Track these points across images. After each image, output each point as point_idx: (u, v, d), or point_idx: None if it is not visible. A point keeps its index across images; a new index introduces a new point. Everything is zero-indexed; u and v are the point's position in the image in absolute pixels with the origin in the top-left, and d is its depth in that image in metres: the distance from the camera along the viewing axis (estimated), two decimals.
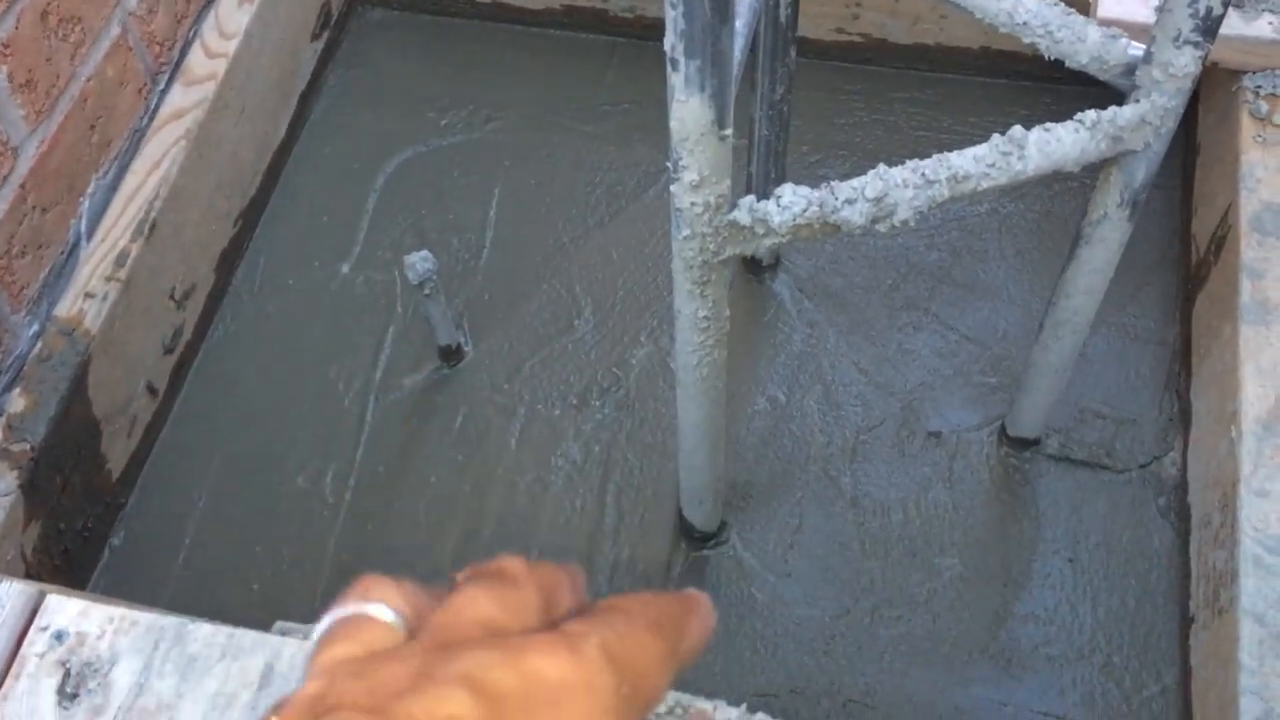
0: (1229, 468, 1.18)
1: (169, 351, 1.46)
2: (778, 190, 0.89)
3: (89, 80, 1.35)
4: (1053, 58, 0.97)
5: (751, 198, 0.89)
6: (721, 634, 1.29)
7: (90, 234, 1.38)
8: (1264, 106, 1.36)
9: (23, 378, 1.28)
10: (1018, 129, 0.92)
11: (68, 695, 0.80)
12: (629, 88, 1.71)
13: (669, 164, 0.84)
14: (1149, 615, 1.28)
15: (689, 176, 0.84)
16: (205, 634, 0.82)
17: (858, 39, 1.67)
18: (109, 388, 1.35)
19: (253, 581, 1.35)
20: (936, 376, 1.45)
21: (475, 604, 0.41)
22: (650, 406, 1.44)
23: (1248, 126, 1.35)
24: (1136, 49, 0.94)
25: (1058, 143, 0.92)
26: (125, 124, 1.43)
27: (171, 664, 0.81)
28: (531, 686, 0.37)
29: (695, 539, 1.34)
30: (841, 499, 1.37)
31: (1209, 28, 0.87)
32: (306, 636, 0.84)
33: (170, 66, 1.50)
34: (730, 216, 0.88)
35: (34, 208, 1.29)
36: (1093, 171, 1.01)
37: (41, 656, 0.82)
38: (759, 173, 1.37)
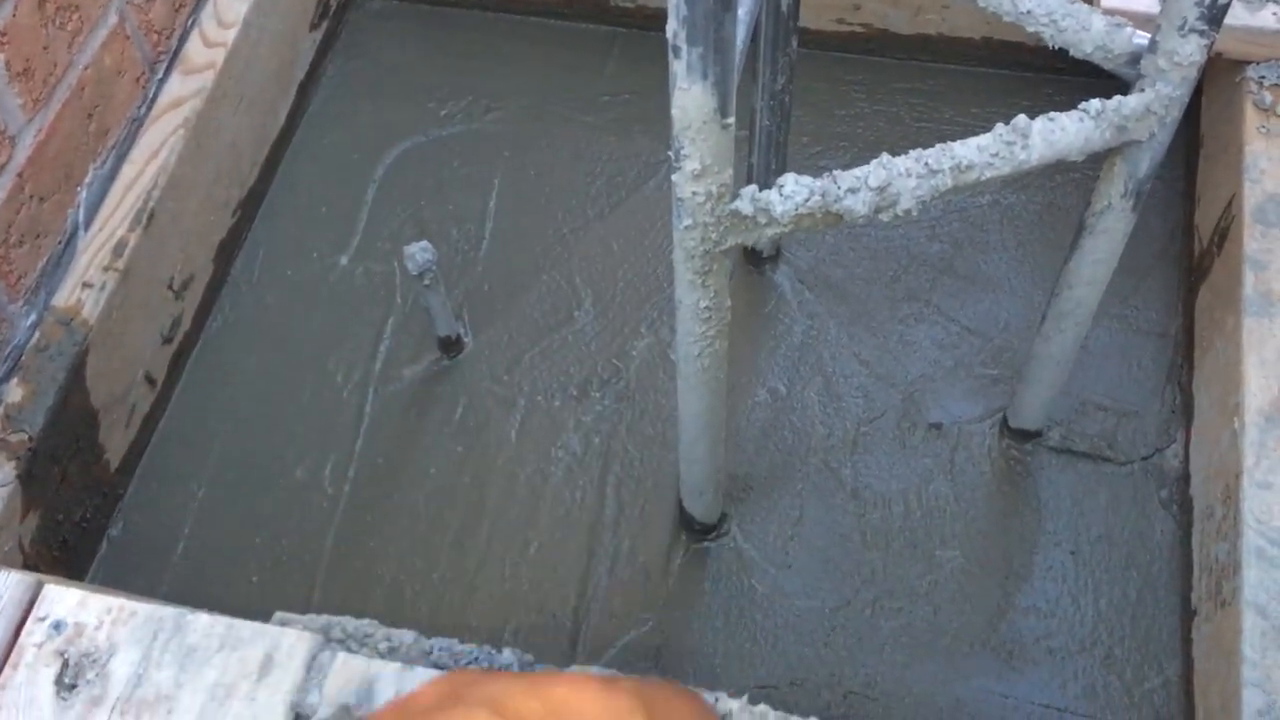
0: (1231, 460, 1.18)
1: (167, 342, 1.46)
2: (780, 179, 0.88)
3: (86, 69, 1.35)
4: (1057, 47, 0.96)
5: (754, 187, 0.88)
6: (722, 626, 1.29)
7: (88, 223, 1.37)
8: (1268, 97, 1.35)
9: (20, 368, 1.27)
10: (1022, 118, 0.92)
11: (66, 686, 0.80)
12: (629, 78, 1.70)
13: (670, 153, 0.84)
14: (1151, 608, 1.27)
15: (691, 165, 0.83)
16: (204, 624, 0.82)
17: (859, 29, 1.66)
18: (107, 378, 1.34)
19: (251, 573, 1.34)
20: (938, 368, 1.44)
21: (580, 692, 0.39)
22: (650, 398, 1.44)
23: (1251, 117, 1.35)
24: (1141, 38, 0.93)
25: (1062, 132, 0.92)
26: (123, 113, 1.42)
27: (170, 654, 0.81)
28: (556, 714, 0.37)
29: (695, 531, 1.34)
30: (842, 491, 1.36)
31: (1214, 16, 0.86)
32: (305, 627, 0.84)
33: (168, 55, 1.49)
34: (732, 206, 0.88)
35: (31, 197, 1.28)
36: (1095, 163, 1.01)
37: (40, 647, 0.81)
38: (760, 163, 1.36)
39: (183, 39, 1.51)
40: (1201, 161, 1.49)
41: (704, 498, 1.28)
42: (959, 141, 0.90)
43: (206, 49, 1.51)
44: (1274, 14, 1.34)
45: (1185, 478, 1.33)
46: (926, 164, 0.89)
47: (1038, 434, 1.38)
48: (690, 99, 0.79)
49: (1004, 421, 1.39)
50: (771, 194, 0.88)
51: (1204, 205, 1.45)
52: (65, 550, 1.31)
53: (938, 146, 0.90)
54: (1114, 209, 1.03)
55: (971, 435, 1.39)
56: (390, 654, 0.83)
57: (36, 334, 1.29)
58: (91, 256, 1.34)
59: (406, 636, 0.85)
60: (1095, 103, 0.93)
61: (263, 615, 0.92)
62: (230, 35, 1.52)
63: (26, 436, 1.23)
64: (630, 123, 1.66)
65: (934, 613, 1.29)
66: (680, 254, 0.93)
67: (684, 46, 0.76)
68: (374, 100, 1.71)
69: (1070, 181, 1.57)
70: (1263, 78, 1.36)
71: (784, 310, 1.50)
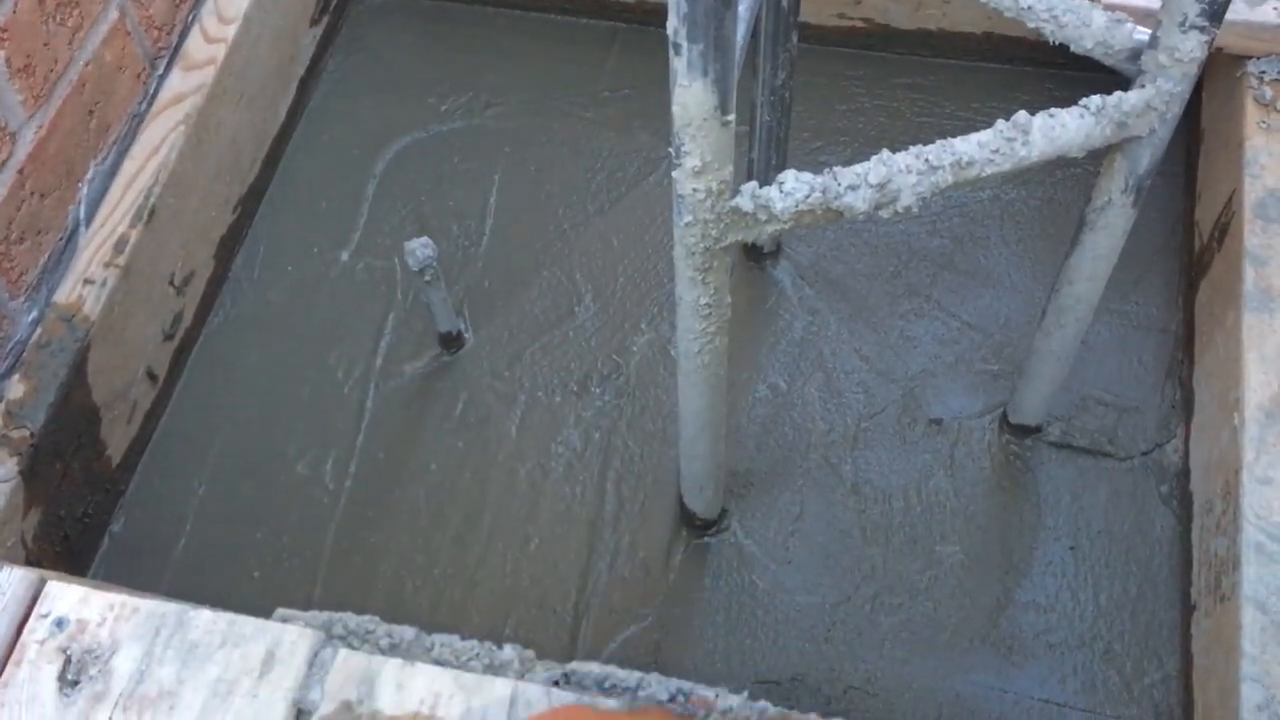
0: (1231, 455, 1.18)
1: (169, 338, 1.46)
2: (780, 176, 0.88)
3: (87, 65, 1.35)
4: (1057, 43, 0.96)
5: (754, 184, 0.88)
6: (722, 622, 1.29)
7: (89, 220, 1.37)
8: (1268, 92, 1.35)
9: (22, 364, 1.27)
10: (1022, 114, 0.92)
11: (69, 682, 0.80)
12: (630, 74, 1.70)
13: (671, 149, 0.84)
14: (1150, 603, 1.28)
15: (691, 162, 0.84)
16: (206, 621, 0.82)
17: (860, 24, 1.66)
18: (109, 374, 1.34)
19: (253, 568, 1.34)
20: (938, 363, 1.44)
21: None
22: (651, 394, 1.44)
23: (1252, 112, 1.35)
24: (1142, 34, 0.93)
25: (1062, 128, 0.92)
26: (124, 109, 1.42)
27: (173, 651, 0.81)
28: None
29: (696, 526, 1.34)
30: (842, 486, 1.37)
31: (1215, 12, 0.86)
32: (307, 624, 0.84)
33: (169, 51, 1.49)
34: (732, 203, 0.88)
35: (32, 193, 1.28)
36: (1096, 158, 1.01)
37: (42, 644, 0.82)
38: (760, 159, 1.36)
39: (183, 35, 1.51)
40: (1202, 157, 1.49)
41: (704, 493, 1.29)
42: (959, 138, 0.91)
43: (207, 45, 1.51)
44: (1275, 9, 1.34)
45: (1185, 473, 1.33)
46: (927, 160, 0.89)
47: (1038, 429, 1.38)
48: (691, 96, 0.79)
49: (1004, 417, 1.39)
50: (772, 191, 0.88)
51: (1204, 201, 1.45)
52: (67, 546, 1.31)
53: (938, 143, 0.90)
54: (1114, 205, 1.03)
55: (972, 430, 1.40)
56: (391, 650, 0.84)
57: (38, 330, 1.30)
58: (93, 253, 1.35)
59: (408, 633, 0.85)
60: (1096, 99, 0.93)
61: (264, 611, 0.92)
62: (231, 31, 1.52)
63: (28, 432, 1.23)
64: (631, 118, 1.66)
65: (934, 608, 1.29)
66: (680, 251, 0.93)
67: (684, 44, 0.76)
68: (374, 96, 1.71)
69: (1071, 177, 1.57)
70: (1263, 73, 1.36)
71: (785, 306, 1.50)
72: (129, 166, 1.40)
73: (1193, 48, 0.88)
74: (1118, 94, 0.93)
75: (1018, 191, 1.57)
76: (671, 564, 1.33)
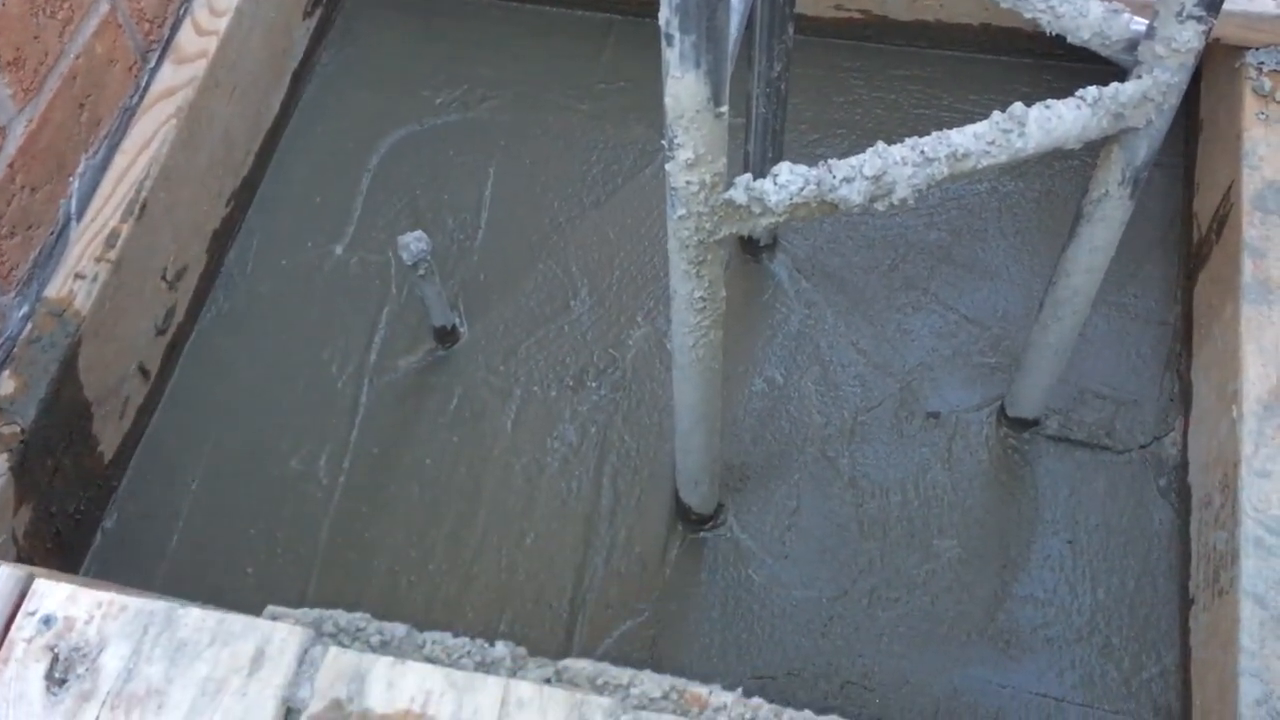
0: (1230, 448, 1.17)
1: (161, 333, 1.45)
2: (775, 169, 0.87)
3: (78, 58, 1.34)
4: (1054, 33, 0.95)
5: (748, 176, 0.88)
6: (719, 617, 1.28)
7: (80, 214, 1.36)
8: (1267, 83, 1.34)
9: (12, 359, 1.27)
10: (1018, 106, 0.91)
11: (56, 680, 0.79)
12: (625, 66, 1.69)
13: (664, 142, 0.83)
14: (1149, 596, 1.27)
15: (684, 155, 0.83)
16: (195, 619, 0.82)
17: (857, 15, 1.65)
18: (100, 369, 1.34)
19: (246, 564, 1.34)
20: (935, 357, 1.43)
21: None
22: (647, 387, 1.43)
23: (1250, 104, 1.34)
24: (1139, 24, 0.92)
25: (1059, 120, 0.91)
26: (115, 102, 1.42)
27: (161, 649, 0.80)
28: None
29: (692, 521, 1.33)
30: (839, 480, 1.36)
31: (1212, 2, 0.85)
32: (297, 622, 0.84)
33: (160, 44, 1.48)
34: (726, 195, 0.87)
35: (23, 187, 1.27)
36: (1094, 149, 1.00)
37: (29, 641, 0.81)
38: (756, 151, 1.35)
39: (175, 27, 1.50)
40: (1200, 148, 1.48)
41: (700, 488, 1.28)
42: (955, 130, 0.90)
43: (199, 37, 1.50)
44: None
45: (1183, 466, 1.32)
46: (922, 152, 0.88)
47: (1036, 422, 1.37)
48: (683, 88, 0.78)
49: (1002, 410, 1.38)
50: (766, 183, 0.87)
51: (1203, 192, 1.44)
52: (59, 542, 1.30)
53: (934, 135, 0.89)
54: (1112, 197, 1.03)
55: (969, 424, 1.39)
56: (382, 648, 0.83)
57: (29, 325, 1.29)
58: (84, 247, 1.34)
59: (399, 630, 0.84)
60: (1092, 90, 0.92)
61: (258, 607, 0.92)
62: (223, 23, 1.51)
63: (19, 428, 1.23)
64: (626, 110, 1.65)
65: (931, 602, 1.28)
66: (674, 244, 0.93)
67: (677, 35, 0.75)
68: (368, 89, 1.70)
69: (1069, 168, 1.56)
70: (1262, 63, 1.35)
71: (781, 299, 1.49)
72: (120, 160, 1.40)
73: (1190, 38, 0.87)
74: (1114, 85, 0.92)
75: (1015, 184, 1.56)
76: (668, 559, 1.32)
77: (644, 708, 0.81)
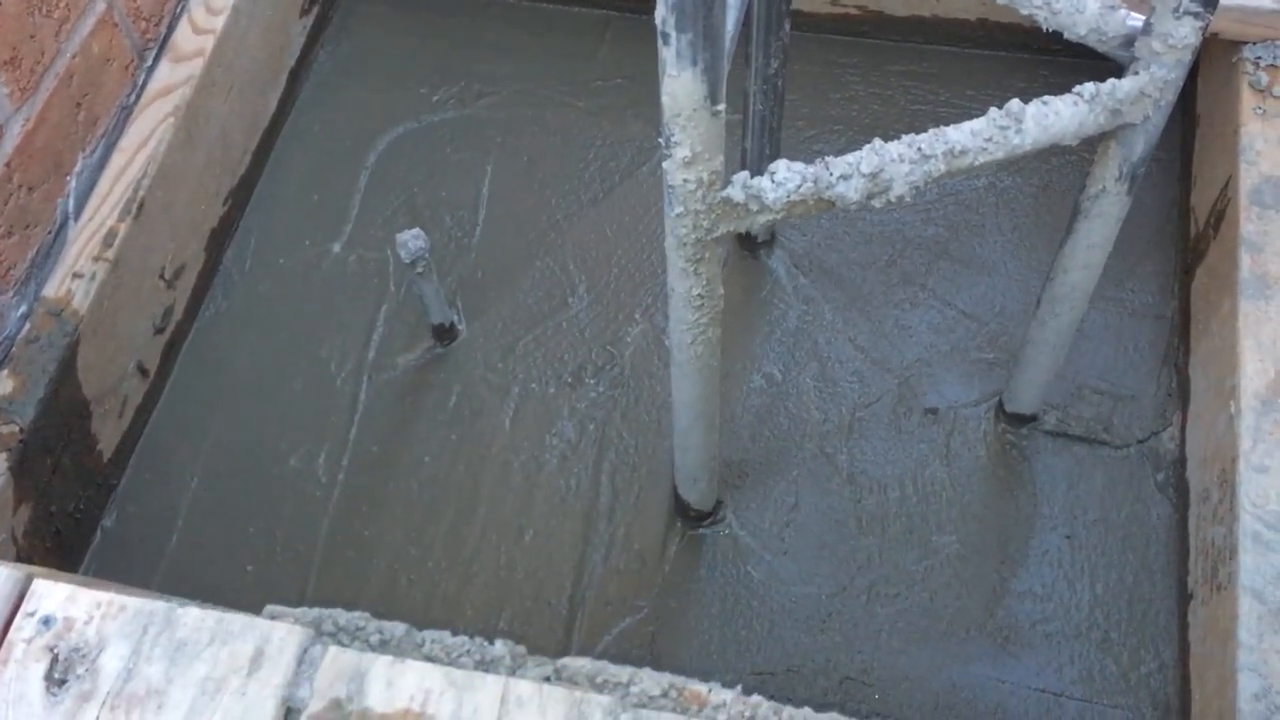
0: (1228, 443, 1.17)
1: (159, 331, 1.45)
2: (772, 166, 0.87)
3: (74, 57, 1.34)
4: (1051, 29, 0.95)
5: (745, 174, 0.88)
6: (718, 613, 1.29)
7: (78, 213, 1.36)
8: (1264, 78, 1.34)
9: (11, 359, 1.27)
10: (1015, 103, 0.91)
11: (56, 681, 0.79)
12: (623, 63, 1.69)
13: (661, 140, 0.83)
14: (1147, 591, 1.27)
15: (681, 153, 0.83)
16: (194, 618, 0.82)
17: (853, 11, 1.65)
18: (98, 368, 1.34)
19: (246, 562, 1.34)
20: (933, 352, 1.44)
21: None
22: (645, 384, 1.43)
23: (1247, 98, 1.34)
24: (1135, 20, 0.92)
25: (1055, 116, 0.91)
26: (112, 101, 1.41)
27: (160, 649, 0.80)
28: None
29: (691, 518, 1.34)
30: (838, 476, 1.36)
31: None
32: (297, 621, 0.84)
33: (157, 43, 1.48)
34: (724, 193, 0.87)
35: (20, 187, 1.27)
36: (1091, 144, 1.00)
37: (29, 642, 0.81)
38: (753, 148, 1.35)
39: (171, 26, 1.50)
40: (1197, 143, 1.48)
41: (699, 485, 1.28)
42: (952, 126, 0.90)
43: (195, 36, 1.49)
44: None
45: (1181, 461, 1.32)
46: (919, 150, 0.88)
47: (1033, 418, 1.37)
48: (680, 86, 0.78)
49: (1000, 406, 1.38)
50: (763, 181, 0.87)
51: (1200, 187, 1.44)
52: (59, 541, 1.30)
53: (930, 131, 0.89)
54: (1109, 193, 1.03)
55: (967, 420, 1.39)
56: (382, 647, 0.83)
57: (27, 325, 1.29)
58: (82, 246, 1.34)
59: (398, 629, 0.84)
60: (1089, 86, 0.92)
61: (258, 606, 0.92)
62: (219, 22, 1.51)
63: (17, 428, 1.23)
64: (623, 107, 1.65)
65: (930, 598, 1.28)
66: (672, 242, 0.93)
67: (673, 33, 0.75)
68: (366, 86, 1.70)
69: (1066, 163, 1.56)
70: (1259, 58, 1.35)
71: (779, 295, 1.49)
72: (117, 159, 1.39)
73: (1187, 34, 0.87)
74: (1111, 81, 0.92)
75: (1013, 179, 1.56)
76: (667, 555, 1.32)
77: (643, 706, 0.81)
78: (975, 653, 1.25)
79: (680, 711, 0.81)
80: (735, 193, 0.87)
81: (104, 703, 0.78)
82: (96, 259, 1.33)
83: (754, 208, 0.88)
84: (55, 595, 0.83)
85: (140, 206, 1.38)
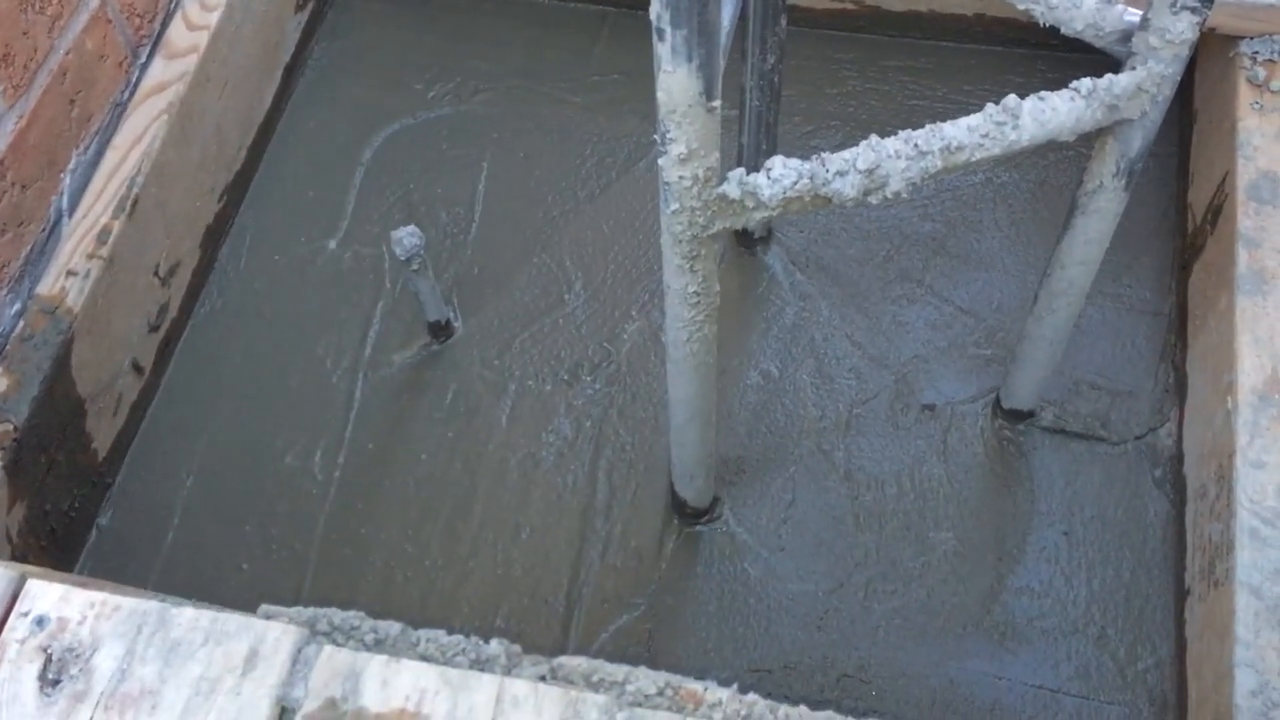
0: (1225, 439, 1.17)
1: (154, 329, 1.44)
2: (768, 163, 0.87)
3: (68, 54, 1.33)
4: (1047, 24, 0.95)
5: (741, 170, 0.87)
6: (715, 611, 1.28)
7: (71, 211, 1.36)
8: (1261, 73, 1.34)
9: (4, 357, 1.26)
10: (1012, 98, 0.90)
11: (49, 681, 0.79)
12: (619, 58, 1.69)
13: (657, 137, 0.83)
14: (1144, 588, 1.27)
15: (677, 149, 0.82)
16: (188, 618, 0.81)
17: (850, 6, 1.65)
18: (93, 366, 1.33)
19: (242, 560, 1.34)
20: (930, 349, 1.43)
21: None
22: (642, 381, 1.43)
23: (1245, 93, 1.33)
24: (1133, 15, 0.92)
25: (1053, 112, 0.91)
26: (106, 98, 1.41)
27: (154, 649, 0.80)
28: None
29: (688, 515, 1.33)
30: (835, 473, 1.36)
31: None
32: (291, 620, 0.84)
33: (151, 39, 1.48)
34: (719, 190, 0.87)
35: (14, 184, 1.27)
36: (1089, 140, 0.99)
37: (22, 642, 0.81)
38: (750, 144, 1.35)
39: (165, 22, 1.49)
40: (1195, 138, 1.48)
41: (695, 482, 1.28)
42: (949, 122, 0.89)
43: (189, 32, 1.49)
44: None
45: (1179, 457, 1.32)
46: (916, 145, 0.88)
47: (1031, 414, 1.37)
48: (675, 82, 0.78)
49: (997, 402, 1.38)
50: (759, 177, 0.87)
51: (1197, 182, 1.44)
52: (54, 540, 1.30)
53: (927, 127, 0.89)
54: (1106, 188, 1.02)
55: (964, 416, 1.39)
56: (377, 646, 0.83)
57: (21, 323, 1.28)
58: (75, 244, 1.33)
59: (393, 628, 0.84)
60: (1086, 82, 0.91)
61: (254, 604, 0.92)
62: (213, 18, 1.50)
63: (11, 426, 1.22)
64: (620, 103, 1.65)
65: (927, 595, 1.28)
66: (668, 238, 0.92)
67: (668, 29, 0.74)
68: (361, 83, 1.69)
69: (1064, 159, 1.56)
70: (1256, 53, 1.35)
71: (776, 292, 1.48)
72: (111, 156, 1.39)
73: (1184, 29, 0.87)
74: (1108, 76, 0.92)
75: (1010, 174, 1.55)
76: (664, 553, 1.32)
77: (639, 704, 0.81)
78: (972, 649, 1.25)
79: (676, 710, 0.81)
80: (731, 189, 0.87)
81: (98, 703, 0.78)
82: (91, 256, 1.33)
83: (750, 204, 0.87)
84: (49, 595, 0.83)
85: (134, 204, 1.37)
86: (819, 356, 1.44)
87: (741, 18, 1.16)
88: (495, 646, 0.83)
